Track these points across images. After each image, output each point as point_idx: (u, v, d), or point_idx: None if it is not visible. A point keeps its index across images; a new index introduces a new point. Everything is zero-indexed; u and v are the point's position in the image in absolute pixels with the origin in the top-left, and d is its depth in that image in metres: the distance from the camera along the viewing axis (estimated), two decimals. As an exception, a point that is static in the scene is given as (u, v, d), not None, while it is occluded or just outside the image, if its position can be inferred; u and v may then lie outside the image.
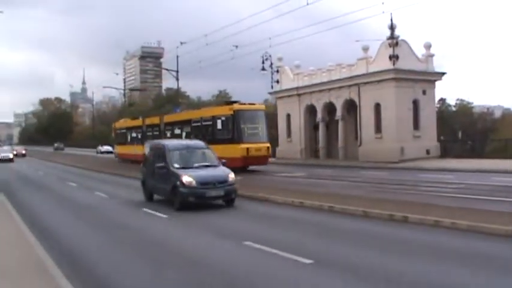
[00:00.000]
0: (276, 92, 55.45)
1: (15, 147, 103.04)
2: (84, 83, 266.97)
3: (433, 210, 14.40)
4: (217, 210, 17.81)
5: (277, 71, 54.25)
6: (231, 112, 35.18)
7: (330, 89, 48.01)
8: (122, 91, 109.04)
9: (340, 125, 47.35)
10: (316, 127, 51.11)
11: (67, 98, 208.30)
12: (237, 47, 50.76)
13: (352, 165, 39.67)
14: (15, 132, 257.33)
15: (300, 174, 32.00)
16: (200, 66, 56.79)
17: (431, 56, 44.17)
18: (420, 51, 44.09)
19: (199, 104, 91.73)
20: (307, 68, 53.31)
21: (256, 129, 35.73)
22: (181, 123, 42.91)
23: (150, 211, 17.76)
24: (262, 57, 52.54)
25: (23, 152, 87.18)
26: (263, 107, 40.02)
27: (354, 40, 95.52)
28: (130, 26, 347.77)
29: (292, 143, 52.60)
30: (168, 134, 44.45)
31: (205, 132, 37.56)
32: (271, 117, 62.55)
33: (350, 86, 45.35)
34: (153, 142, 24.98)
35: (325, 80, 48.36)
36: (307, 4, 34.47)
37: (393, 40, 40.68)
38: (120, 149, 59.69)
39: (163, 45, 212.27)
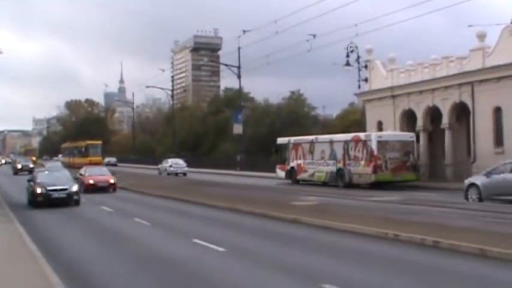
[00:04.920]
0: (364, 93, 55.19)
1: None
2: (122, 81, 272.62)
3: None
4: (280, 241, 17.88)
5: (366, 67, 53.95)
6: (86, 144, 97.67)
7: (433, 90, 47.36)
8: (170, 92, 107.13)
9: (448, 135, 46.59)
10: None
11: (101, 100, 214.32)
12: (314, 36, 51.02)
13: (461, 187, 38.84)
14: (35, 142, 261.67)
15: (393, 199, 31.64)
16: (268, 61, 57.43)
17: None
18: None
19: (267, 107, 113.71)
20: (404, 62, 52.82)
21: (95, 151, 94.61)
22: (77, 147, 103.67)
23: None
24: (347, 49, 52.47)
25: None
26: (100, 142, 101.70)
27: (466, 25, 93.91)
28: (180, 10, 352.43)
29: (385, 159, 52.14)
30: (75, 152, 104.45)
31: (80, 151, 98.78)
32: (358, 125, 61.88)
33: (460, 85, 44.60)
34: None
35: (427, 77, 47.76)
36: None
37: (520, 24, 39.91)
38: (67, 160, 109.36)
39: (221, 35, 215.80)
